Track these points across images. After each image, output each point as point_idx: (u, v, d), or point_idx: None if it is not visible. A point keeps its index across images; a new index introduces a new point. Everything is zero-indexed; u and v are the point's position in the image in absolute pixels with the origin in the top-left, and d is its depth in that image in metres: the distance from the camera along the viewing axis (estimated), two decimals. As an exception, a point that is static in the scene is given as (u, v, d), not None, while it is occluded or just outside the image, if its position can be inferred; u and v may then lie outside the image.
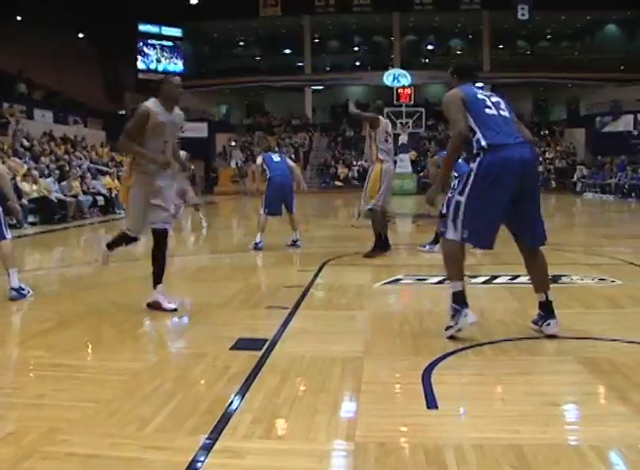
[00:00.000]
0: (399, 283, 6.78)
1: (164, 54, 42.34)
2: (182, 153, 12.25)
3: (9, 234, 6.33)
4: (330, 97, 44.79)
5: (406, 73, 37.39)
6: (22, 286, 6.31)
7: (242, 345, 4.39)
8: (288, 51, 45.79)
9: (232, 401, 3.33)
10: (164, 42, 42.40)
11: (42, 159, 20.09)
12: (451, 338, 4.35)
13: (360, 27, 43.71)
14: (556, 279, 6.21)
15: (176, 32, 42.50)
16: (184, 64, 42.94)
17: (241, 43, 46.98)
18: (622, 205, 23.06)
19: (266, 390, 3.47)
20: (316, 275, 7.22)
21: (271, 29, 43.09)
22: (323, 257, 8.39)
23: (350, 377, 3.69)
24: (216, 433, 2.93)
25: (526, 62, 42.13)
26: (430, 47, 45.56)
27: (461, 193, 4.30)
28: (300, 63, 43.83)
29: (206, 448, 2.77)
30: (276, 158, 10.06)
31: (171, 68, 42.32)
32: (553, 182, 30.66)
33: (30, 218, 15.20)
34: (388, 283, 6.70)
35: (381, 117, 8.64)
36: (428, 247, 8.99)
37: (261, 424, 3.02)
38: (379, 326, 4.86)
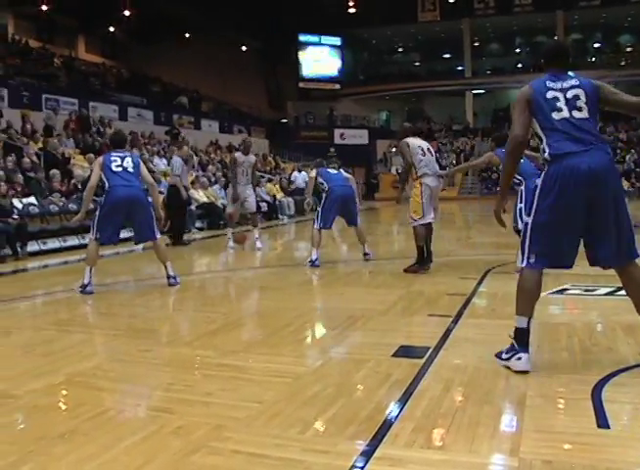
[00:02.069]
0: (566, 293, 6.47)
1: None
2: (252, 157, 12.19)
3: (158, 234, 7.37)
4: (492, 101, 43.73)
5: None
6: (176, 275, 7.34)
7: (404, 352, 4.36)
8: (447, 55, 45.26)
9: (393, 409, 3.31)
10: (324, 51, 43.16)
11: (209, 167, 21.04)
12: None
13: (521, 28, 42.32)
14: None
15: (335, 41, 43.09)
16: (344, 71, 43.49)
17: (400, 49, 47.02)
18: None
19: (428, 399, 3.42)
20: (479, 283, 7.04)
21: (430, 34, 42.74)
22: (486, 264, 8.15)
23: (515, 389, 3.56)
24: (377, 440, 2.91)
25: None
26: (597, 45, 43.51)
27: (529, 213, 3.88)
28: (460, 67, 43.18)
29: (367, 455, 2.76)
30: (332, 170, 9.59)
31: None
32: None
33: (198, 224, 15.99)
34: (555, 293, 6.36)
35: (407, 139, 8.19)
36: None
37: (423, 433, 2.97)
38: (544, 338, 4.63)
